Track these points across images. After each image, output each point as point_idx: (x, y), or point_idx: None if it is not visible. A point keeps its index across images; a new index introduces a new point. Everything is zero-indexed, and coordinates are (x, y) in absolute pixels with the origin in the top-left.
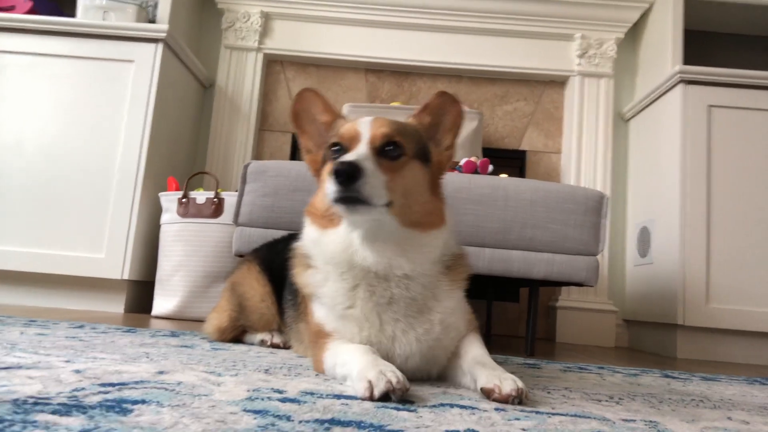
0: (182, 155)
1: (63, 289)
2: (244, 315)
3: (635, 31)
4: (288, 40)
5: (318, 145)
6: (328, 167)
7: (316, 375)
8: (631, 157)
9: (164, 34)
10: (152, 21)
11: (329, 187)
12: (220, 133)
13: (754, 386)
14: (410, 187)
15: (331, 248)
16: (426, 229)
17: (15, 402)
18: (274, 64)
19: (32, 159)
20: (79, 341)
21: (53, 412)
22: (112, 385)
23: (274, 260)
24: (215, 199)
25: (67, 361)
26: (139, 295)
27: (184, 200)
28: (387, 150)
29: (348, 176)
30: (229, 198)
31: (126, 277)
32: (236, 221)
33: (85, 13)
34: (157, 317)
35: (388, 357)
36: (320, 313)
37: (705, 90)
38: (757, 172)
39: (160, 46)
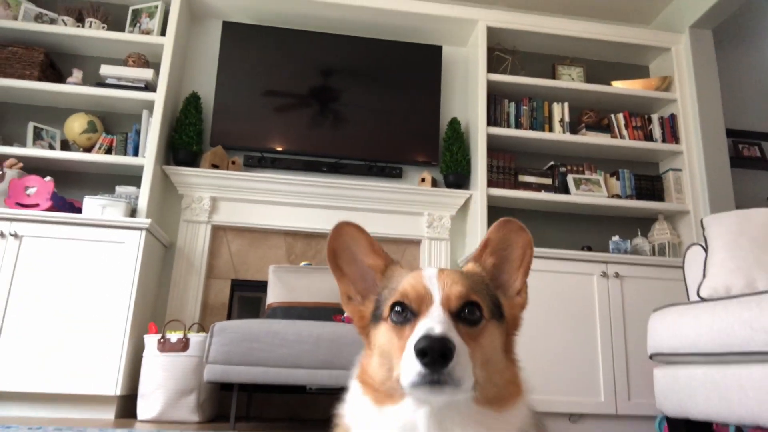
0: (152, 302)
1: (67, 404)
2: None
3: (463, 210)
4: (229, 214)
5: (362, 292)
6: (388, 330)
7: None
8: None
9: (147, 225)
10: (134, 209)
11: (411, 368)
12: (179, 282)
13: None
14: (490, 357)
15: (382, 428)
16: (503, 406)
17: None
18: (218, 230)
19: (48, 313)
20: None
21: None
22: None
23: None
24: (184, 339)
25: None
26: (125, 405)
27: (162, 340)
28: (464, 313)
29: (440, 357)
30: (193, 338)
31: (118, 393)
32: (206, 360)
33: (89, 209)
34: (142, 421)
35: None
36: None
37: None
38: None
39: (144, 233)
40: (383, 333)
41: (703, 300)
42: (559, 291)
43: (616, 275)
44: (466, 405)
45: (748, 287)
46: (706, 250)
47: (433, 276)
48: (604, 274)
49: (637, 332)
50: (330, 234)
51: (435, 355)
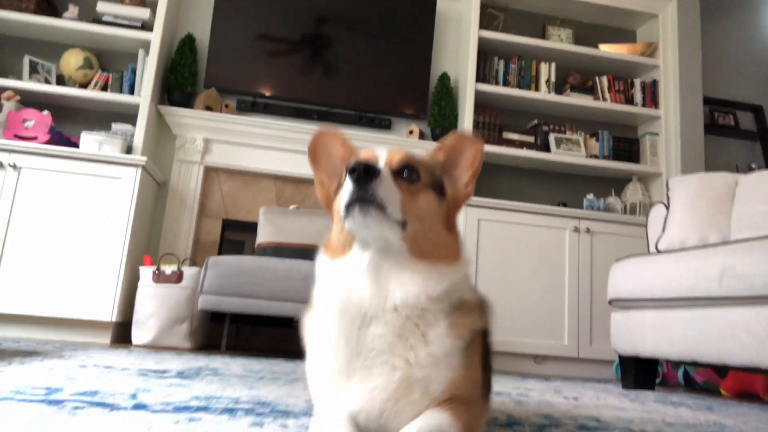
0: (146, 236)
1: (65, 327)
2: None
3: None
4: (222, 156)
5: (331, 178)
6: (343, 189)
7: None
8: None
9: (143, 163)
10: (130, 146)
11: (346, 188)
12: (172, 219)
13: None
14: (424, 214)
15: (333, 278)
16: (436, 262)
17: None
18: (211, 171)
19: (47, 242)
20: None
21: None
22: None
23: None
24: (178, 271)
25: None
26: (119, 331)
27: (156, 272)
28: (403, 173)
29: (365, 172)
30: (186, 271)
31: (113, 320)
32: (201, 291)
33: (86, 144)
34: (137, 346)
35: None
36: (308, 371)
37: (477, 210)
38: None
39: (140, 170)
40: (340, 195)
41: (659, 252)
42: (533, 243)
43: (587, 230)
44: (401, 255)
45: (700, 242)
46: (668, 208)
47: (384, 149)
48: (576, 229)
49: (603, 284)
50: (312, 137)
51: (361, 170)
